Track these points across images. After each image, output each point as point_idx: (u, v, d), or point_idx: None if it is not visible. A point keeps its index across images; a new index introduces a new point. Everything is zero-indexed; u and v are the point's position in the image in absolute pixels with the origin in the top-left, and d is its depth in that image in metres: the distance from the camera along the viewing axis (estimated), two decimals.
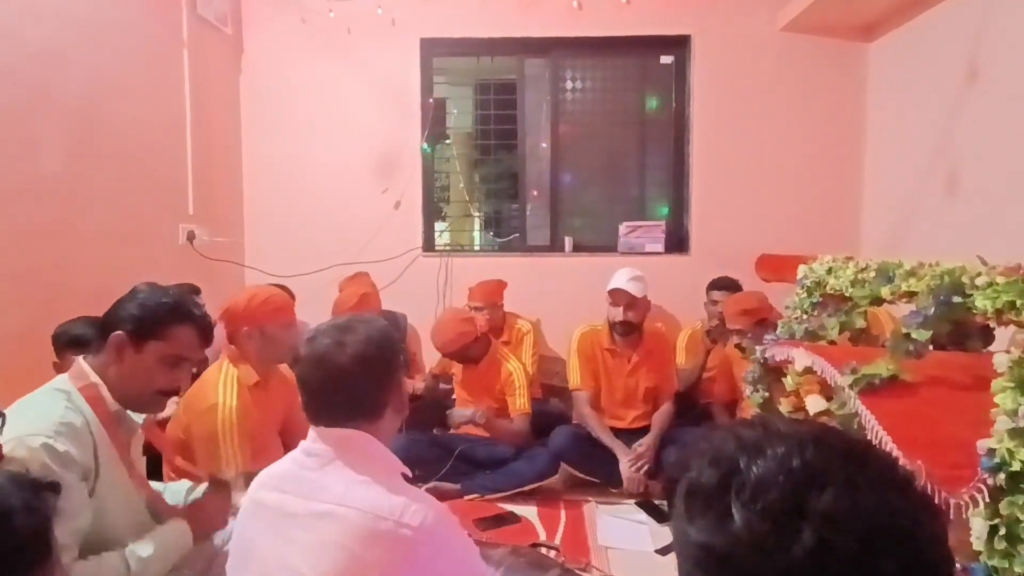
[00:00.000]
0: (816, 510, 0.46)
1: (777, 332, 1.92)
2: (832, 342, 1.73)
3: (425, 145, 3.61)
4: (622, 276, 2.83)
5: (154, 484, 1.66)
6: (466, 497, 2.58)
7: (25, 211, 2.15)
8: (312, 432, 1.13)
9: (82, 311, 2.10)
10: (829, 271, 1.73)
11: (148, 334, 1.36)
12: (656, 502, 2.51)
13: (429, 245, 3.73)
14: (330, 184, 3.62)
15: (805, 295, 1.86)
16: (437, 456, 2.63)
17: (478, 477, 2.65)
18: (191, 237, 3.05)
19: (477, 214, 4.09)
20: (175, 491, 1.60)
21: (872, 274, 1.51)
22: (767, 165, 3.56)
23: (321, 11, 3.44)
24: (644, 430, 2.77)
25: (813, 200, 3.55)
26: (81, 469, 1.24)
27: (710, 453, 0.53)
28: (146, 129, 2.81)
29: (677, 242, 3.68)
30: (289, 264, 3.44)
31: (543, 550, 1.98)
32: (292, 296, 3.22)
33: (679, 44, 3.62)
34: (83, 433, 1.27)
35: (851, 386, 1.33)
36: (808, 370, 1.61)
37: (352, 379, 1.10)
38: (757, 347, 2.23)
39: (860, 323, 1.69)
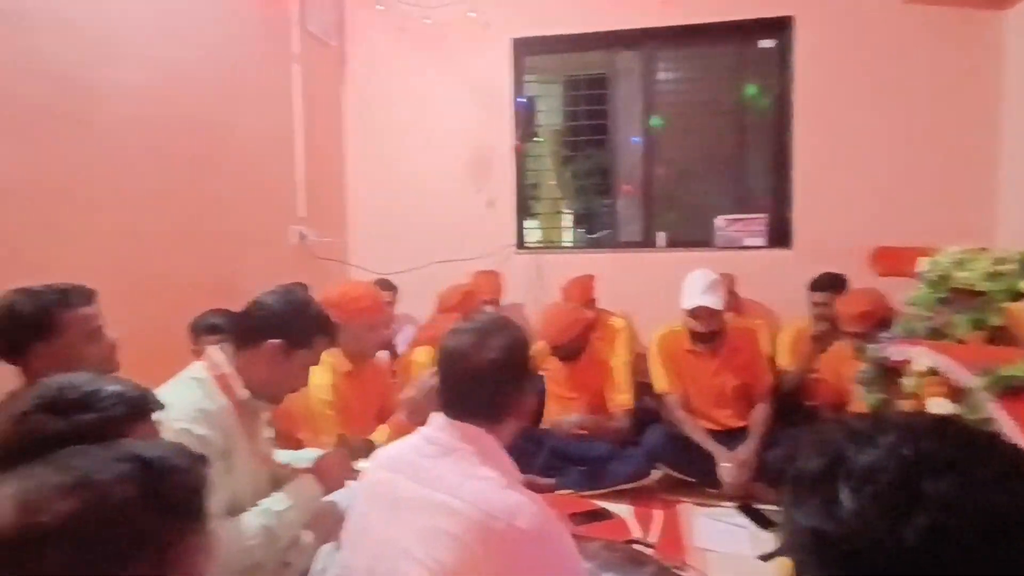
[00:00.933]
0: (931, 495, 0.46)
1: (895, 329, 1.78)
2: (961, 341, 1.59)
3: (519, 143, 3.66)
4: (695, 288, 2.61)
5: (285, 453, 1.82)
6: (559, 492, 2.59)
7: (161, 217, 2.40)
8: (437, 419, 1.17)
9: (210, 305, 2.34)
10: (958, 263, 1.58)
11: (300, 345, 1.52)
12: (758, 507, 2.40)
13: (521, 243, 3.78)
14: (427, 184, 3.76)
15: (929, 290, 1.71)
16: (529, 450, 2.65)
17: (571, 473, 2.65)
18: (301, 237, 3.28)
19: (568, 211, 4.10)
20: (304, 458, 1.74)
21: (1013, 266, 1.36)
22: (881, 152, 3.30)
23: (418, 18, 3.58)
24: (740, 430, 2.66)
25: (936, 188, 3.24)
26: (215, 451, 1.37)
27: (817, 443, 0.55)
28: (262, 139, 3.05)
29: (779, 236, 3.49)
30: (389, 262, 3.60)
31: (638, 547, 1.96)
32: (394, 288, 3.43)
33: (780, 27, 3.43)
34: (216, 417, 1.41)
35: (985, 388, 1.22)
36: (932, 371, 1.49)
37: (484, 382, 1.14)
38: (871, 346, 2.09)
39: (996, 320, 1.54)
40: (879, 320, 2.35)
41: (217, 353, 1.51)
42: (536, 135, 3.92)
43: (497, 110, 3.68)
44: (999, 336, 1.59)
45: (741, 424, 2.70)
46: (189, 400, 1.39)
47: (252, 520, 1.40)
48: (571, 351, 2.76)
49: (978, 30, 3.16)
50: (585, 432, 2.70)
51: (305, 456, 1.80)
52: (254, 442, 1.53)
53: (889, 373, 1.87)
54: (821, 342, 2.89)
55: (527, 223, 3.90)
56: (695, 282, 2.64)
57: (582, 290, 3.24)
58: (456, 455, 1.11)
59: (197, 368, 1.50)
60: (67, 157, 2.03)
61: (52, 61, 1.97)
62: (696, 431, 2.65)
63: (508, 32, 3.63)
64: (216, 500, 1.32)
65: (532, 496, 1.07)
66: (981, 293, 1.52)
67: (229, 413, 1.45)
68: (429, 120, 3.75)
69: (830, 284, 2.95)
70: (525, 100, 3.70)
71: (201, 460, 0.71)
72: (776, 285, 3.33)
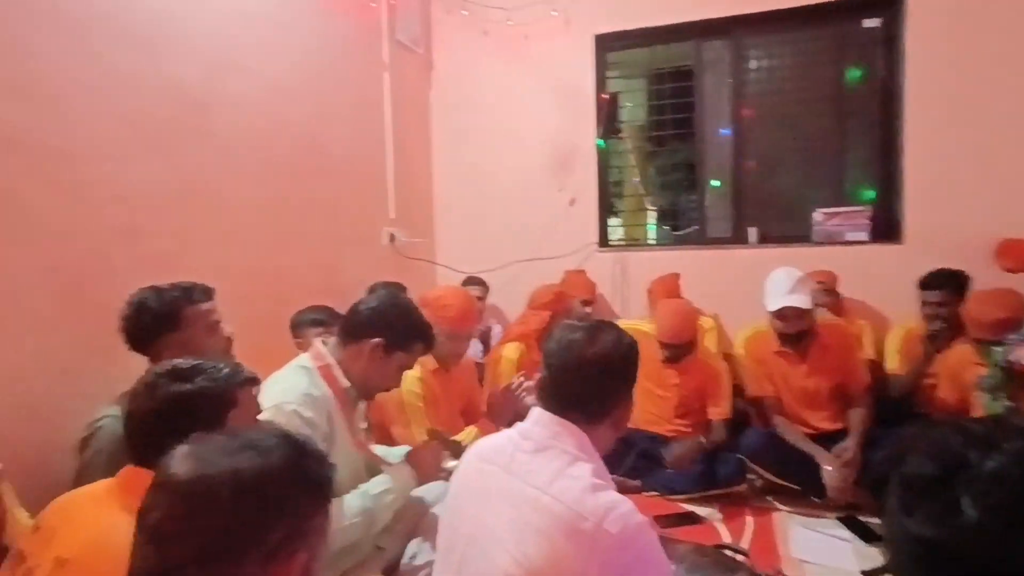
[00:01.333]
0: None
1: None
2: None
3: (600, 141, 3.63)
4: (780, 288, 2.44)
5: (380, 447, 1.91)
6: (646, 494, 2.54)
7: (265, 221, 2.58)
8: (535, 414, 1.18)
9: (310, 302, 2.50)
10: None
11: (398, 347, 1.62)
12: (863, 519, 2.25)
13: (604, 241, 3.75)
14: (510, 184, 3.80)
15: None
16: (616, 450, 2.58)
17: (660, 475, 2.59)
18: (392, 239, 3.42)
19: (652, 207, 4.01)
20: (396, 454, 1.83)
21: None
22: (1005, 135, 2.98)
23: (500, 21, 3.64)
24: (835, 433, 2.49)
25: None
26: (321, 433, 1.48)
27: (930, 447, 0.52)
28: (356, 145, 3.21)
29: (886, 229, 3.24)
30: (474, 261, 3.69)
31: (729, 553, 1.89)
32: (484, 285, 3.52)
33: (888, 2, 3.19)
34: (321, 403, 1.53)
35: None
36: None
37: (590, 373, 1.15)
38: (996, 348, 1.90)
39: None
40: (1018, 326, 2.06)
41: (321, 345, 1.62)
42: (619, 131, 3.87)
43: (579, 108, 3.66)
44: None
45: (836, 427, 2.53)
46: (298, 386, 1.52)
47: (353, 502, 1.50)
48: (684, 352, 2.65)
49: None
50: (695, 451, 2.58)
51: (398, 452, 1.89)
52: (352, 429, 1.63)
53: (1018, 378, 1.70)
54: (935, 344, 2.65)
55: (610, 221, 3.85)
56: (779, 282, 2.49)
57: (667, 289, 3.16)
58: (551, 452, 1.11)
59: (304, 358, 1.63)
60: (190, 166, 2.24)
61: (177, 80, 2.18)
62: (796, 436, 2.51)
63: (590, 28, 3.61)
64: None
65: (623, 498, 1.06)
66: None
67: (330, 400, 1.56)
68: (512, 120, 3.79)
69: (946, 282, 2.69)
70: (607, 96, 3.66)
71: (327, 459, 0.80)
72: (882, 282, 3.10)
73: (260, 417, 1.40)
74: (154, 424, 1.01)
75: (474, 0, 3.67)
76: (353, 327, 1.62)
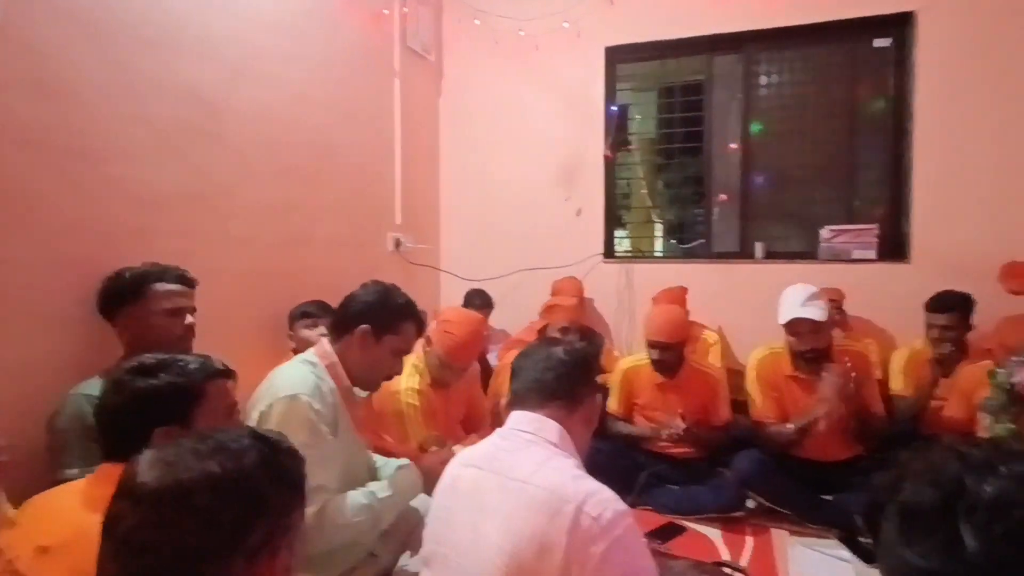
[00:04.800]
0: None
1: None
2: None
3: (608, 152, 3.64)
4: (794, 301, 2.37)
5: (377, 458, 1.91)
6: (639, 508, 2.52)
7: (274, 224, 2.59)
8: (512, 418, 1.24)
9: None
10: None
11: (387, 330, 1.63)
12: (863, 540, 2.23)
13: (610, 252, 3.75)
14: (517, 193, 3.82)
15: None
16: (623, 468, 2.51)
17: (657, 492, 2.57)
18: (397, 244, 3.44)
19: (659, 220, 4.01)
20: (394, 465, 1.84)
21: None
22: (1013, 156, 2.98)
23: (511, 31, 3.66)
24: (853, 462, 2.42)
25: None
26: (328, 425, 1.51)
27: (927, 473, 0.50)
28: (365, 151, 3.23)
29: (894, 248, 3.24)
30: (478, 269, 3.70)
31: (728, 571, 1.88)
32: (490, 305, 3.50)
33: (899, 23, 3.20)
34: (327, 397, 1.56)
35: None
36: None
37: (556, 365, 1.25)
38: (1000, 370, 1.90)
39: None
40: None
41: (327, 344, 1.65)
42: (628, 144, 3.88)
43: (589, 119, 3.68)
44: None
45: (848, 456, 2.46)
46: (307, 379, 1.55)
47: (358, 499, 1.51)
48: (675, 358, 2.60)
49: None
50: (687, 433, 2.51)
51: (395, 464, 1.89)
52: (356, 425, 1.66)
53: (1021, 401, 1.69)
54: (943, 368, 2.63)
55: (617, 232, 3.86)
56: (792, 295, 2.43)
57: (672, 302, 3.15)
58: (532, 448, 1.16)
59: (310, 354, 1.65)
60: (203, 169, 2.25)
61: (194, 86, 2.20)
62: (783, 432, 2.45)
63: (601, 40, 3.63)
64: (330, 472, 1.46)
65: (604, 486, 1.09)
66: None
67: (336, 395, 1.59)
68: (521, 130, 3.81)
69: (955, 305, 2.67)
70: (617, 108, 3.67)
71: (300, 456, 0.78)
72: (888, 301, 3.09)
73: (276, 403, 1.44)
74: (123, 420, 1.02)
75: (486, 10, 3.69)
76: (342, 320, 1.66)
